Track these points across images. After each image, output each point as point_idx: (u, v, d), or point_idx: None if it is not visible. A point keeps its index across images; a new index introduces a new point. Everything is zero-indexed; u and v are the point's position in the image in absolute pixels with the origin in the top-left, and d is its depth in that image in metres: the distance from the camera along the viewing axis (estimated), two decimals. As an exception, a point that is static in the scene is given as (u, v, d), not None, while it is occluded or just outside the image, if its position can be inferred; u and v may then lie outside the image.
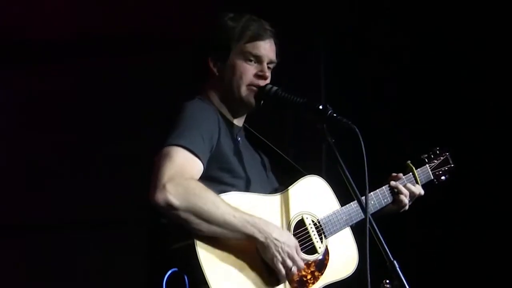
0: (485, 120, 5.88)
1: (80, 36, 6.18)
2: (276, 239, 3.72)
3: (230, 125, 4.02)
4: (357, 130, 3.74)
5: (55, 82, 6.39)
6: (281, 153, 4.17)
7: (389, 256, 3.65)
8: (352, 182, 3.79)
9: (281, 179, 4.14)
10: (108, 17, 6.08)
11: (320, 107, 3.83)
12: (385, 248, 3.67)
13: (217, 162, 3.84)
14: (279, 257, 3.72)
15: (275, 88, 3.97)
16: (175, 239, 3.70)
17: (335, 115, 3.82)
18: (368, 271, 3.65)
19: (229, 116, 4.03)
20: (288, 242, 3.75)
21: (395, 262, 3.64)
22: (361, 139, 3.72)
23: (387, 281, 3.67)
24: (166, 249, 3.72)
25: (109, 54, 6.27)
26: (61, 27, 6.13)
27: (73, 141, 6.35)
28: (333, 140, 3.82)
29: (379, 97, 6.09)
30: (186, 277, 3.62)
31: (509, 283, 5.73)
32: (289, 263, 3.74)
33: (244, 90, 3.98)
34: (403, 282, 3.62)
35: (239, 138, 4.04)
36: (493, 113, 5.88)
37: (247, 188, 3.90)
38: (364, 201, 3.76)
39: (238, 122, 4.08)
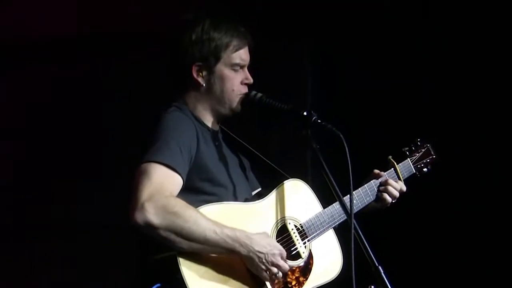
0: (472, 116, 5.89)
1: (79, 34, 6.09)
2: (259, 252, 3.71)
3: (209, 131, 3.99)
4: (341, 136, 3.75)
5: (57, 80, 6.31)
6: (258, 153, 4.16)
7: (373, 261, 3.66)
8: (337, 189, 3.79)
9: (260, 180, 4.14)
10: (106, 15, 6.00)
11: (305, 113, 3.84)
12: (369, 253, 3.68)
13: (197, 173, 3.81)
14: (263, 266, 3.73)
15: (259, 94, 3.98)
16: (157, 252, 3.68)
17: (319, 121, 3.83)
18: (354, 278, 3.66)
19: (208, 123, 4.00)
20: (272, 250, 3.75)
21: (379, 267, 3.65)
22: (345, 145, 3.72)
23: (372, 286, 3.69)
24: (149, 261, 3.72)
25: (108, 52, 6.20)
26: (60, 26, 6.04)
27: (72, 143, 6.27)
28: (318, 146, 3.81)
29: (364, 92, 6.08)
30: None
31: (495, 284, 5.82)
32: (274, 270, 3.75)
33: (234, 100, 3.98)
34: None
35: (217, 143, 4.01)
36: (477, 109, 5.90)
37: (228, 194, 3.89)
38: (348, 204, 3.76)
39: (216, 126, 4.06)
